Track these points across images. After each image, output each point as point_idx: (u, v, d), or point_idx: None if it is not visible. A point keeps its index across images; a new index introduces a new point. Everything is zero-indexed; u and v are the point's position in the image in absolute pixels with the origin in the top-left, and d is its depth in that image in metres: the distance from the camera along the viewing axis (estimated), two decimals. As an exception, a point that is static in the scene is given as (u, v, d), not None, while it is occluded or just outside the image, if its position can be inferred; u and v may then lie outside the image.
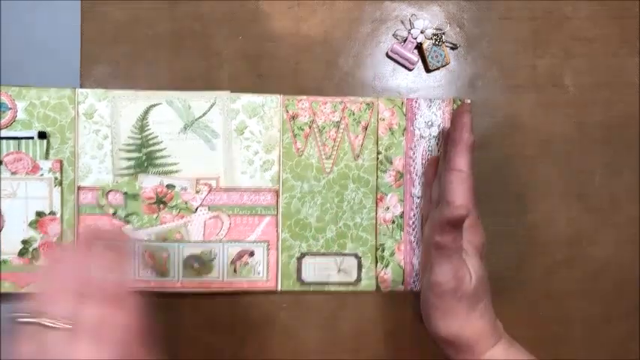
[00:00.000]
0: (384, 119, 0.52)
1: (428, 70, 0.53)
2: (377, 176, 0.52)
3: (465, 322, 0.42)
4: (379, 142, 0.52)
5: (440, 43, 0.53)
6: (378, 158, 0.52)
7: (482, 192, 0.53)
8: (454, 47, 0.54)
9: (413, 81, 0.54)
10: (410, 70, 0.54)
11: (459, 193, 0.44)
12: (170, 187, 0.51)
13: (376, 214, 0.51)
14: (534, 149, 0.53)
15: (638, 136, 0.54)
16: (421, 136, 0.52)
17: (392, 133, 0.52)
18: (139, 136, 0.51)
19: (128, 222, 0.51)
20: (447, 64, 0.53)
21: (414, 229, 0.52)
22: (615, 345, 0.53)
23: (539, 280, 0.53)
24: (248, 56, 0.53)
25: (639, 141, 0.54)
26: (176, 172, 0.51)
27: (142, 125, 0.51)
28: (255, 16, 0.53)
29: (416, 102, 0.52)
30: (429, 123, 0.51)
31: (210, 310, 0.53)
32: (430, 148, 0.52)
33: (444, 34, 0.53)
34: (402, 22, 0.54)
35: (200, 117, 0.51)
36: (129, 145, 0.51)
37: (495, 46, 0.54)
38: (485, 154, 0.53)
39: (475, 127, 0.53)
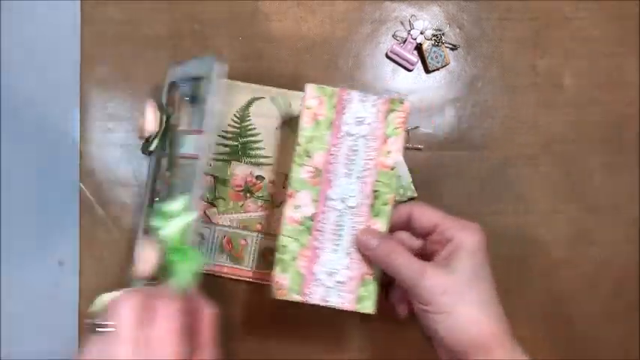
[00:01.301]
0: (309, 107, 0.46)
1: (428, 70, 0.53)
2: (291, 169, 0.45)
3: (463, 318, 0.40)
4: (300, 133, 0.46)
5: (439, 43, 0.53)
6: (295, 150, 0.46)
7: (482, 192, 0.53)
8: (454, 48, 0.54)
9: (413, 82, 0.54)
10: (410, 70, 0.54)
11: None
12: (259, 178, 0.52)
13: (284, 212, 0.46)
14: (534, 149, 0.53)
15: (638, 136, 0.54)
16: (348, 133, 0.46)
17: (317, 125, 0.46)
18: (239, 126, 0.52)
19: (214, 205, 0.52)
20: (446, 64, 0.53)
21: (322, 234, 0.46)
22: (615, 345, 0.53)
23: (539, 279, 0.53)
24: (248, 56, 0.53)
25: (639, 141, 0.54)
26: (267, 165, 0.52)
27: (243, 115, 0.52)
28: (255, 16, 0.53)
29: (348, 94, 0.46)
30: (360, 120, 0.46)
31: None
32: (356, 148, 0.46)
33: (443, 34, 0.53)
34: (402, 23, 0.54)
35: (298, 116, 0.51)
36: (228, 132, 0.52)
37: (495, 46, 0.54)
38: (486, 154, 0.53)
39: (475, 127, 0.53)
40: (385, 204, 0.46)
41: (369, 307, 0.46)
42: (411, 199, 0.52)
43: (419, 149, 0.53)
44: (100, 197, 0.53)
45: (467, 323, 0.40)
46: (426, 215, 0.44)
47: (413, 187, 0.52)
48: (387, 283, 0.47)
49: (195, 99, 0.45)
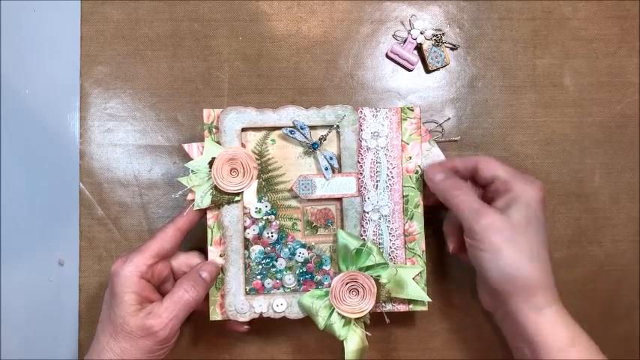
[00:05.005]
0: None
1: (428, 70, 0.53)
2: None
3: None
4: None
5: (440, 43, 0.53)
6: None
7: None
8: (454, 48, 0.54)
9: (413, 82, 0.54)
10: (410, 70, 0.54)
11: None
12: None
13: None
14: (534, 149, 0.53)
15: (638, 136, 0.54)
16: (368, 148, 0.48)
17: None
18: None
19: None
20: (446, 64, 0.53)
21: None
22: (615, 345, 0.53)
23: (539, 280, 0.53)
24: (248, 56, 0.53)
25: (639, 141, 0.54)
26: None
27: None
28: (255, 16, 0.53)
29: (361, 112, 0.48)
30: (375, 134, 0.48)
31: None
32: (379, 160, 0.48)
33: (443, 34, 0.53)
34: (402, 23, 0.54)
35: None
36: None
37: (495, 46, 0.54)
38: (486, 154, 0.53)
39: (475, 127, 0.53)
40: (417, 206, 0.48)
41: (421, 305, 0.48)
42: None
43: (455, 141, 0.53)
44: (100, 197, 0.53)
45: (514, 266, 0.42)
46: (491, 167, 0.46)
47: None
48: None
49: (315, 145, 0.47)
